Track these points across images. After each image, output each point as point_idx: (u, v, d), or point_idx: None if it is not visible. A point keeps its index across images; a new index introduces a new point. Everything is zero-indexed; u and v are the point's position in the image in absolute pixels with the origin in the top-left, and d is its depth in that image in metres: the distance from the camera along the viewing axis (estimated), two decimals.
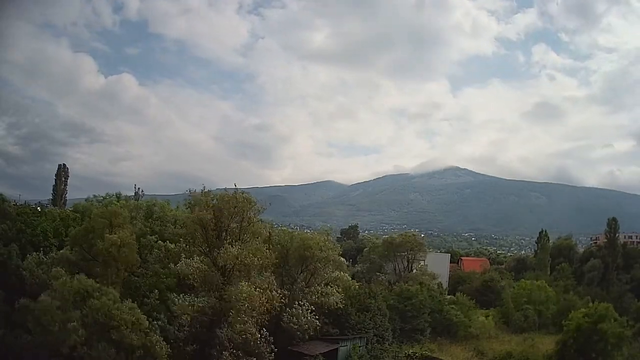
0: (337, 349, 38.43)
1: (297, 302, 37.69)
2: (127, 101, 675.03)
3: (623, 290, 65.41)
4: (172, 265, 33.64)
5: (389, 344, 42.56)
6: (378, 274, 61.20)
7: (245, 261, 32.32)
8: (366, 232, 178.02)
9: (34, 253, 36.09)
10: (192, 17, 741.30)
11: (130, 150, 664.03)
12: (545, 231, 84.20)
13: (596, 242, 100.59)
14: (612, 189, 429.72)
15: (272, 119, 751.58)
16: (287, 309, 37.19)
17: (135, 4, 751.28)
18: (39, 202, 71.08)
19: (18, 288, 33.48)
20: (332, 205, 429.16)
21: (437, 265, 67.12)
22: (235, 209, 34.72)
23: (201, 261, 33.41)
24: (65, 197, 74.37)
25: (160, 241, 37.82)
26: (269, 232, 40.32)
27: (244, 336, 31.47)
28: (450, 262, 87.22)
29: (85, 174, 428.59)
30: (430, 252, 74.82)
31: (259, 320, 32.74)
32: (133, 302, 30.43)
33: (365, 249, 71.72)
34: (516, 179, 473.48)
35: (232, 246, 32.63)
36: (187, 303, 31.03)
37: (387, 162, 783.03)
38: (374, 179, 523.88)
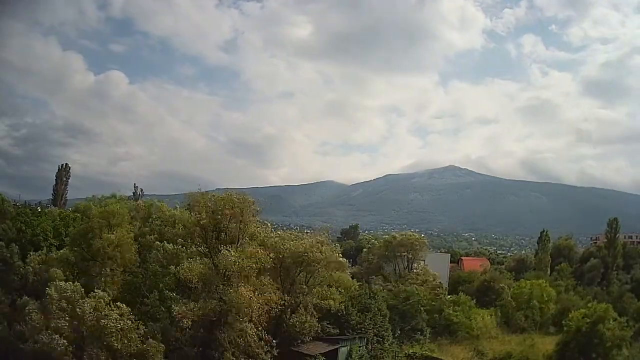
0: (337, 349, 38.39)
1: (296, 304, 37.65)
2: (119, 99, 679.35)
3: (623, 290, 65.41)
4: (172, 266, 33.54)
5: (389, 344, 42.51)
6: (377, 275, 61.08)
7: (244, 264, 32.23)
8: (366, 232, 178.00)
9: (34, 253, 36.13)
10: (174, 13, 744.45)
11: (127, 150, 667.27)
12: (546, 231, 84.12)
13: (596, 242, 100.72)
14: (612, 189, 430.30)
15: (262, 117, 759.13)
16: (287, 310, 37.17)
17: (118, 1, 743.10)
18: (39, 202, 71.10)
19: (18, 287, 33.55)
20: (332, 205, 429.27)
21: (437, 265, 67.00)
22: (234, 210, 34.64)
23: (201, 263, 33.35)
24: (65, 197, 74.40)
25: (159, 242, 37.82)
26: (265, 235, 40.03)
27: (244, 338, 31.42)
28: (450, 262, 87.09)
29: (85, 174, 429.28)
30: (430, 252, 74.70)
31: (259, 321, 32.70)
32: (133, 300, 30.14)
33: (365, 249, 71.70)
34: (516, 179, 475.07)
35: (230, 249, 32.50)
36: (186, 308, 30.90)
37: (381, 160, 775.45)
38: (374, 179, 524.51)
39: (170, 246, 35.66)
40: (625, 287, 67.55)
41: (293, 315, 37.62)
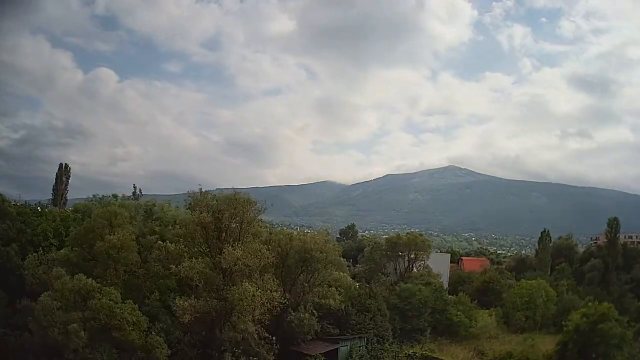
0: (337, 349, 38.48)
1: (297, 303, 37.66)
2: (110, 97, 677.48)
3: (623, 290, 65.39)
4: (173, 266, 33.57)
5: (389, 344, 42.53)
6: (379, 274, 61.04)
7: (247, 262, 32.27)
8: (366, 232, 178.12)
9: (34, 253, 36.07)
10: (154, 9, 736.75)
11: (125, 149, 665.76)
12: (547, 231, 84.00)
13: (596, 242, 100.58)
14: (612, 189, 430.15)
15: (251, 115, 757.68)
16: (288, 309, 37.20)
17: None
18: (39, 202, 70.96)
19: (18, 288, 33.48)
20: (332, 205, 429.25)
21: (437, 265, 66.83)
22: (235, 210, 34.67)
23: (202, 262, 33.38)
24: (65, 197, 74.28)
25: (160, 241, 37.83)
26: (269, 233, 40.25)
27: (245, 337, 31.44)
28: (450, 262, 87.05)
29: (85, 174, 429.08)
30: (431, 252, 74.61)
31: (260, 320, 32.72)
32: (134, 303, 30.40)
33: (367, 248, 71.54)
34: (516, 179, 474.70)
35: (232, 247, 32.57)
36: (187, 304, 30.97)
37: (375, 158, 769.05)
38: (374, 179, 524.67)
39: (172, 246, 35.66)
40: (626, 287, 67.51)
41: (294, 314, 37.67)
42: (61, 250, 36.29)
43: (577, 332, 42.85)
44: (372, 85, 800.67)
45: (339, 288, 42.35)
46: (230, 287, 31.93)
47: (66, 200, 74.14)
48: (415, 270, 61.57)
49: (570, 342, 43.07)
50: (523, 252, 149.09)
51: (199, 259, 33.47)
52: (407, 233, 68.24)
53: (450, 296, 58.28)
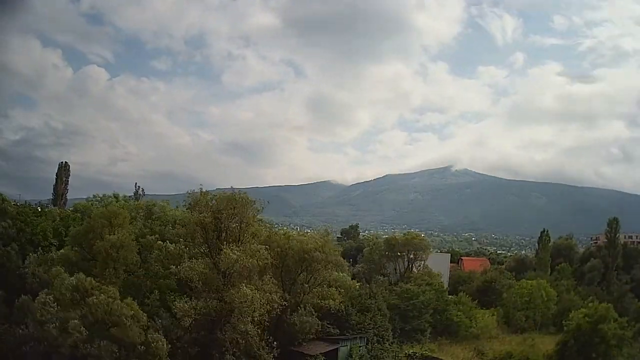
0: (337, 349, 38.46)
1: (297, 303, 37.63)
2: (102, 96, 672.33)
3: (623, 290, 65.37)
4: (173, 266, 33.56)
5: (389, 344, 42.52)
6: (379, 274, 61.03)
7: (245, 264, 32.23)
8: (366, 232, 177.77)
9: (34, 253, 36.09)
10: (140, 5, 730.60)
11: (124, 149, 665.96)
12: (547, 231, 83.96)
13: (596, 242, 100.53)
14: (612, 189, 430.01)
15: (242, 113, 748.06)
16: (288, 310, 37.17)
17: None
18: (39, 202, 70.95)
19: (18, 287, 33.48)
20: (332, 205, 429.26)
21: (437, 265, 66.77)
22: (235, 210, 34.66)
23: (202, 263, 33.34)
24: (65, 196, 74.26)
25: (160, 242, 37.83)
26: (268, 233, 40.19)
27: (245, 338, 31.41)
28: (450, 262, 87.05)
29: (85, 174, 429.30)
30: (431, 252, 74.64)
31: (260, 321, 32.69)
32: (134, 300, 30.35)
33: (366, 248, 71.49)
34: (516, 179, 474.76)
35: (231, 249, 32.51)
36: (187, 306, 30.93)
37: (370, 157, 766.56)
38: (374, 179, 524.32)
39: (172, 246, 35.66)
40: (626, 287, 67.50)
41: (293, 314, 37.65)
42: (61, 250, 36.31)
43: (578, 332, 42.87)
44: (364, 82, 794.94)
45: (338, 288, 42.32)
46: (230, 288, 31.89)
47: (66, 200, 74.11)
48: (415, 270, 61.52)
49: (570, 342, 43.09)
50: (523, 252, 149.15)
51: (199, 259, 33.44)
52: (406, 233, 68.13)
53: (450, 296, 58.29)
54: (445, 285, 65.51)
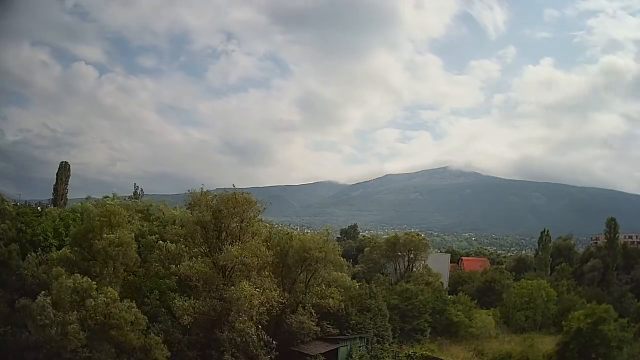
0: (337, 349, 38.46)
1: (297, 303, 37.61)
2: (97, 94, 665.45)
3: (623, 290, 65.39)
4: (173, 266, 33.54)
5: (389, 344, 42.54)
6: (379, 274, 61.06)
7: (246, 261, 32.25)
8: (366, 232, 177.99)
9: (34, 253, 36.06)
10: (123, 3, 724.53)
11: (122, 149, 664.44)
12: (547, 231, 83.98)
13: (596, 242, 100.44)
14: (612, 189, 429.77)
15: (234, 111, 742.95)
16: (288, 309, 37.16)
17: None
18: (39, 202, 70.99)
19: (18, 288, 33.46)
20: (332, 205, 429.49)
21: (437, 265, 66.93)
22: (235, 209, 34.66)
23: (202, 262, 33.35)
24: (65, 197, 74.25)
25: (160, 241, 37.81)
26: (269, 232, 40.24)
27: (244, 337, 31.39)
28: (450, 262, 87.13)
29: (85, 174, 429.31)
30: (431, 252, 74.71)
31: (260, 321, 32.68)
32: (132, 301, 30.34)
33: (367, 248, 71.55)
34: (516, 179, 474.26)
35: (232, 246, 32.57)
36: (187, 305, 30.92)
37: (366, 156, 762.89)
38: (374, 179, 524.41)
39: (172, 246, 35.66)
40: (626, 287, 67.54)
41: (293, 314, 37.64)
42: (61, 250, 36.28)
43: (578, 332, 42.83)
44: (353, 79, 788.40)
45: (338, 288, 42.34)
46: (229, 287, 31.90)
47: (66, 200, 74.12)
48: (415, 270, 61.58)
49: (570, 342, 43.04)
50: (523, 252, 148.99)
51: (199, 259, 33.44)
52: (406, 233, 68.20)
53: (450, 296, 58.31)
54: (445, 285, 65.65)
